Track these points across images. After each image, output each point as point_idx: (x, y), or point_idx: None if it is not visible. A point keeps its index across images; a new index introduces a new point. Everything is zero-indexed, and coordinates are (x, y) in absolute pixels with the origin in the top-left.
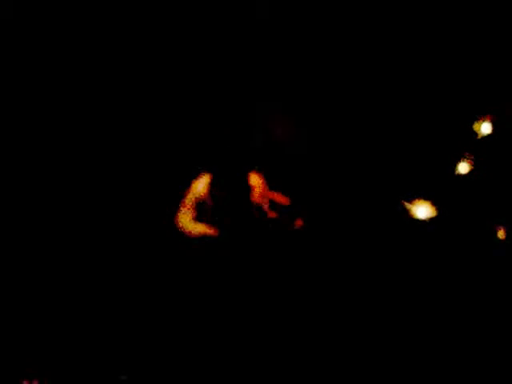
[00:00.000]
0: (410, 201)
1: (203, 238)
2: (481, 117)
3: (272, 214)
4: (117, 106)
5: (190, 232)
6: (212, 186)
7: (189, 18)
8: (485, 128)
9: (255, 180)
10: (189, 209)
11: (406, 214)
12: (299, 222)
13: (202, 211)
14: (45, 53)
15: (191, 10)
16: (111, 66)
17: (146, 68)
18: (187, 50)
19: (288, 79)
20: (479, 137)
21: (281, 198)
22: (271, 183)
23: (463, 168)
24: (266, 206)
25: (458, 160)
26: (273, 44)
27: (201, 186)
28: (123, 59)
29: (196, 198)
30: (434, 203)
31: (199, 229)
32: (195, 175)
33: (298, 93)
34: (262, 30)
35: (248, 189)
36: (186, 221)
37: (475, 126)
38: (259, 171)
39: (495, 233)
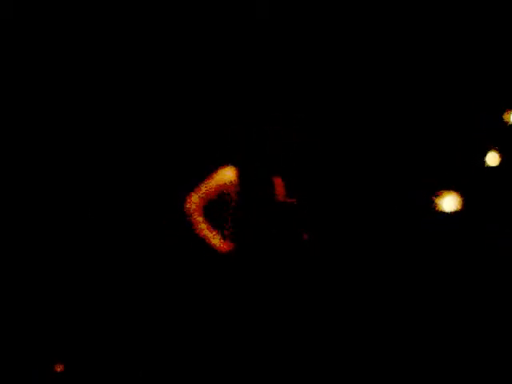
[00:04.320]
0: (437, 193)
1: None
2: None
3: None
4: (128, 104)
5: (194, 222)
6: (239, 180)
7: (189, 18)
8: None
9: (278, 184)
10: (204, 194)
11: (433, 206)
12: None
13: (217, 208)
14: (45, 53)
15: (191, 11)
16: (113, 66)
17: (148, 68)
18: (188, 51)
19: (292, 81)
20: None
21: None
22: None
23: (492, 159)
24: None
25: (487, 151)
26: (273, 44)
27: (227, 175)
28: (125, 60)
29: (217, 185)
30: (462, 195)
31: (210, 236)
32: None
33: (303, 95)
34: (262, 29)
35: (273, 191)
36: (194, 206)
37: (505, 116)
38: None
39: None
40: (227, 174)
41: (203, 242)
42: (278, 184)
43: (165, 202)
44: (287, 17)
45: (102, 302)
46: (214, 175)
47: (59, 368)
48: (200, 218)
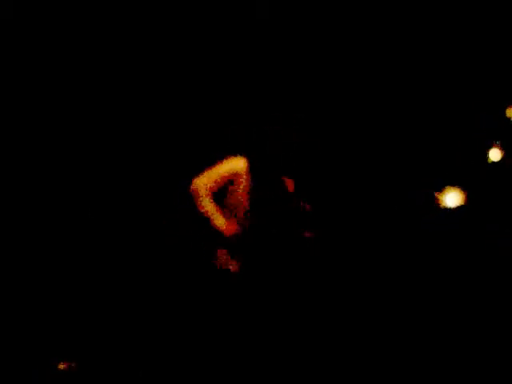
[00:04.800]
0: (440, 189)
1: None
2: None
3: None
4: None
5: (200, 202)
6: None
7: (190, 19)
8: None
9: (290, 183)
10: (212, 178)
11: (436, 202)
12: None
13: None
14: (45, 53)
15: (192, 11)
16: (113, 66)
17: (148, 69)
18: (189, 51)
19: (292, 81)
20: None
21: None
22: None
23: (495, 155)
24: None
25: (490, 146)
26: (273, 44)
27: (239, 164)
28: (125, 59)
29: (225, 173)
30: (465, 191)
31: (215, 216)
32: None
33: (305, 95)
34: (262, 29)
35: (285, 189)
36: (202, 185)
37: (508, 112)
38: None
39: None
40: (237, 164)
41: (208, 224)
42: (290, 184)
43: (170, 191)
44: (287, 17)
45: (100, 288)
46: (224, 162)
47: (59, 367)
48: (207, 199)
